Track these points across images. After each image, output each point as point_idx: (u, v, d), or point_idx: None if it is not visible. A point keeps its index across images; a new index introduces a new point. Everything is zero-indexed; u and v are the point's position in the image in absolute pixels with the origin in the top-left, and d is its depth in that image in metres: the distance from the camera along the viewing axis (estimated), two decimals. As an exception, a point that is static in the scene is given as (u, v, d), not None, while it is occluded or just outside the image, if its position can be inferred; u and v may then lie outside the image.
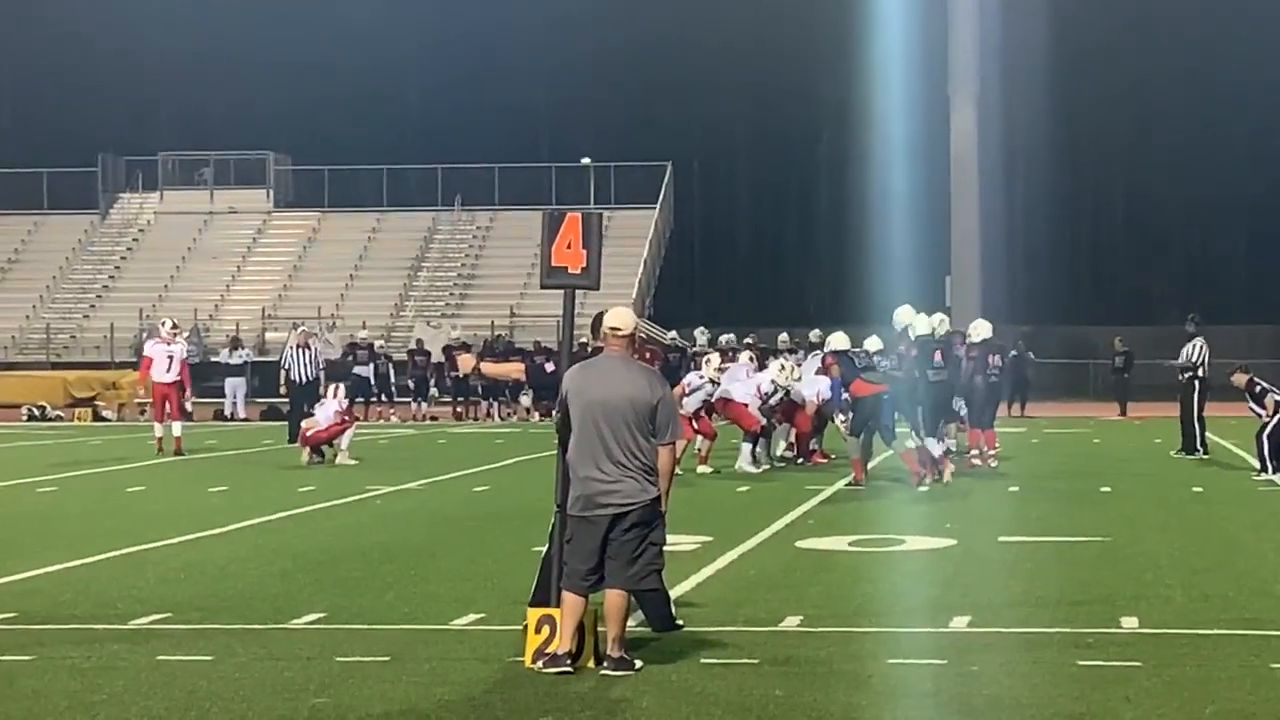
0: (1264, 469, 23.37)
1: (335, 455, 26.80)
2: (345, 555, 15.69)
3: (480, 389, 42.63)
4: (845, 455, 23.84)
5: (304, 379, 31.72)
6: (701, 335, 47.21)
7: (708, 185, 67.79)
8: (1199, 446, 27.70)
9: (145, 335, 44.89)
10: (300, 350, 32.20)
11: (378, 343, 47.03)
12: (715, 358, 26.71)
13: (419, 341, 46.45)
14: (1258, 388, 24.16)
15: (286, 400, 33.28)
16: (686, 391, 24.76)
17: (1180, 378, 28.28)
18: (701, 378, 25.38)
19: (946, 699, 9.70)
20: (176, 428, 29.20)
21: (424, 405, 43.69)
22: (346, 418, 27.45)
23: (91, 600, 13.08)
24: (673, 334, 46.32)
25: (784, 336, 36.82)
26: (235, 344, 46.15)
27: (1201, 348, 28.08)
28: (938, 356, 23.12)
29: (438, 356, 44.19)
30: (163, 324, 30.62)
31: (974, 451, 25.66)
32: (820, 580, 14.04)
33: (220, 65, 66.93)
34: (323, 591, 13.41)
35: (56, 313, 57.54)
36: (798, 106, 65.33)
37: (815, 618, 12.08)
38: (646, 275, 57.03)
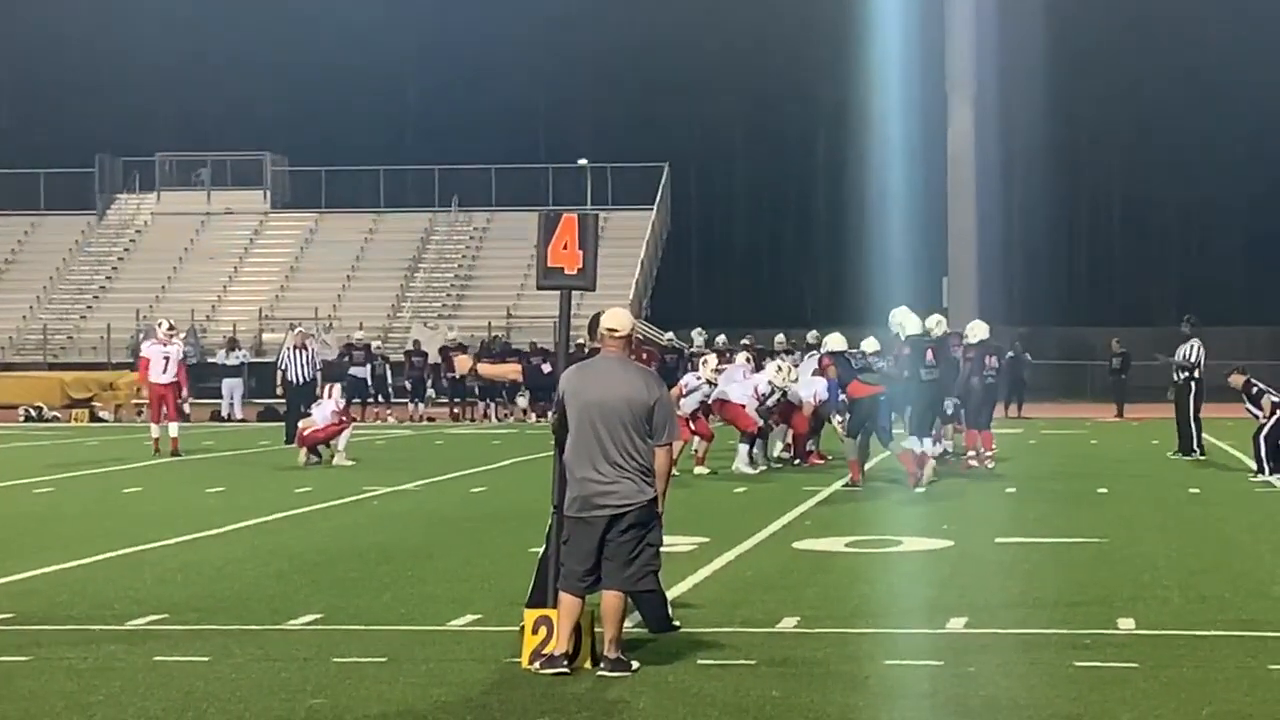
0: (1261, 470, 23.37)
1: (332, 456, 26.79)
2: (342, 556, 15.68)
3: (477, 390, 42.62)
4: (842, 456, 23.83)
5: (301, 380, 31.72)
6: (698, 336, 47.25)
7: (705, 186, 67.82)
8: (1196, 448, 27.71)
9: (142, 336, 44.87)
10: (297, 351, 32.20)
11: (375, 343, 47.01)
12: (712, 359, 26.72)
13: (416, 342, 46.44)
14: (1254, 389, 24.16)
15: (283, 401, 33.28)
16: (683, 392, 24.75)
17: (1176, 376, 28.27)
18: (698, 379, 25.38)
19: (943, 700, 9.70)
20: (173, 428, 29.20)
21: (421, 406, 43.68)
22: (344, 418, 27.45)
23: (88, 601, 13.08)
24: (670, 335, 46.33)
25: (781, 337, 36.88)
26: (232, 345, 46.14)
27: (1197, 349, 28.09)
28: (930, 356, 23.13)
29: (434, 357, 44.18)
30: (160, 325, 30.61)
31: (971, 453, 25.67)
32: (817, 581, 14.04)
33: (217, 66, 66.99)
34: (320, 592, 13.40)
35: (53, 313, 57.50)
36: (795, 107, 65.41)
37: (812, 619, 12.08)
38: (644, 276, 57.01)
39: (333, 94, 66.81)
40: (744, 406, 25.14)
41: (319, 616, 12.24)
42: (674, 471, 10.83)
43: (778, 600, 12.91)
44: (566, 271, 10.90)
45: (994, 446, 26.21)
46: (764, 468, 25.35)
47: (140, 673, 10.35)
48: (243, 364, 45.40)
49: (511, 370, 19.81)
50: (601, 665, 10.22)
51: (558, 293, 11.16)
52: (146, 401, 32.04)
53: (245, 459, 29.21)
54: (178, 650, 11.04)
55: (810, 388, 26.02)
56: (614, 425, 10.19)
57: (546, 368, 31.77)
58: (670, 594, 11.77)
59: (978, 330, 26.41)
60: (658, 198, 59.99)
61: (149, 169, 62.74)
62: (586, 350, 15.69)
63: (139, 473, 26.15)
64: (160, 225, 61.43)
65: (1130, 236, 67.35)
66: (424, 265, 59.16)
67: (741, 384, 25.55)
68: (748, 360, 27.45)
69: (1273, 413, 23.50)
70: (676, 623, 11.35)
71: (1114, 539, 16.71)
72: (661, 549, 10.43)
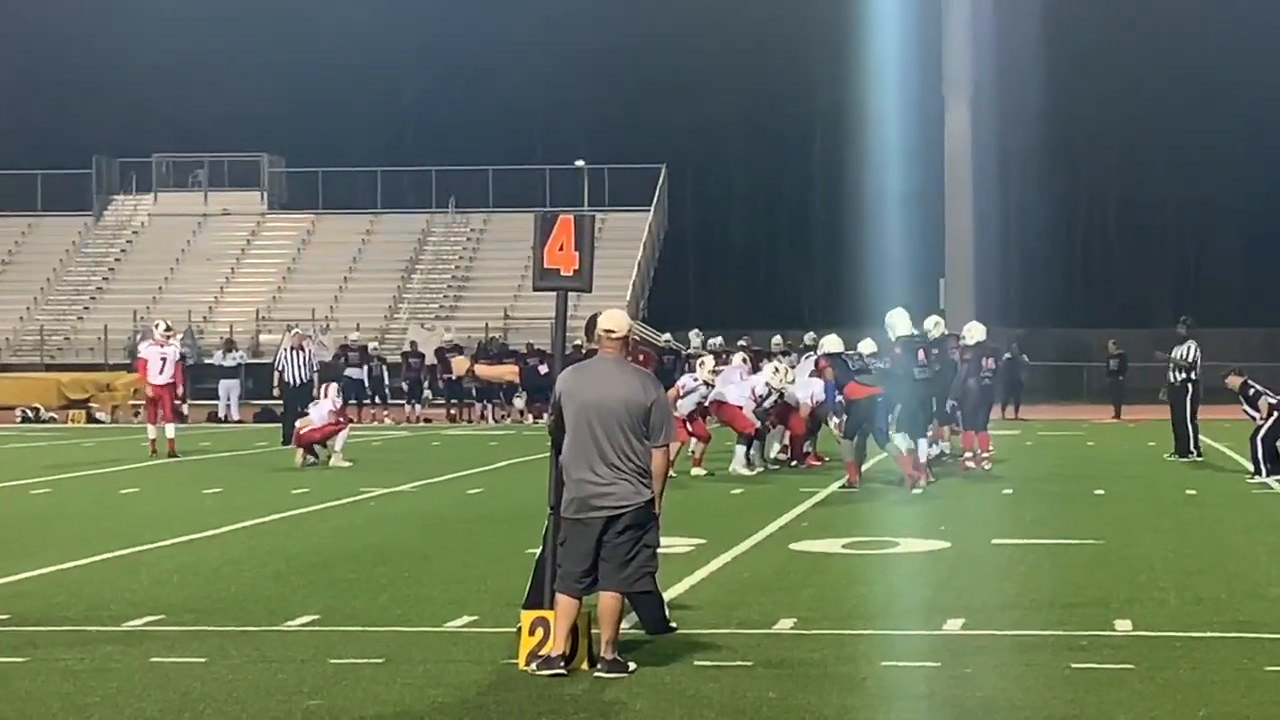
0: (1257, 472, 23.38)
1: (329, 457, 26.78)
2: (339, 557, 15.68)
3: (474, 391, 42.61)
4: (839, 458, 23.83)
5: (298, 381, 31.72)
6: (695, 337, 47.21)
7: (702, 187, 67.82)
8: (1192, 449, 27.71)
9: (139, 337, 44.84)
10: (294, 352, 32.21)
11: (372, 345, 47.00)
12: (709, 360, 26.69)
13: (413, 343, 46.44)
14: (1251, 390, 24.17)
15: (280, 402, 33.25)
16: (681, 394, 24.74)
17: (1173, 377, 28.23)
18: (695, 380, 25.36)
19: (940, 701, 9.70)
20: (170, 429, 29.19)
21: (418, 407, 43.68)
22: (341, 418, 27.44)
23: (85, 602, 13.07)
24: (667, 336, 46.32)
25: (778, 339, 36.83)
26: (229, 346, 46.13)
27: (1193, 350, 28.09)
28: (921, 355, 23.14)
29: (431, 359, 44.18)
30: (156, 326, 30.62)
31: (968, 454, 25.66)
32: (814, 582, 14.04)
33: (214, 67, 66.96)
34: (316, 594, 13.40)
35: (50, 314, 57.48)
36: (792, 108, 65.41)
37: (809, 620, 12.09)
38: (641, 277, 57.02)
39: (330, 95, 66.80)
40: (741, 408, 25.14)
41: (316, 618, 12.24)
42: (671, 473, 10.82)
43: (774, 602, 12.91)
44: (562, 273, 10.90)
45: (991, 448, 26.20)
46: (761, 469, 25.34)
47: (137, 674, 10.35)
48: (240, 365, 45.40)
49: (508, 371, 19.83)
50: (598, 666, 10.22)
51: (554, 294, 11.16)
52: (143, 402, 32.02)
53: (242, 460, 29.20)
54: (174, 651, 11.04)
55: (807, 389, 26.02)
56: (611, 427, 10.19)
57: (543, 369, 31.77)
58: (667, 595, 11.78)
59: (975, 332, 26.39)
60: (655, 199, 60.00)
61: (146, 170, 62.70)
62: (584, 351, 15.70)
63: (136, 474, 26.14)
64: (157, 226, 61.41)
65: (1127, 238, 67.36)
66: (421, 266, 59.16)
67: (738, 385, 25.55)
68: (744, 361, 27.45)
69: (1270, 414, 23.51)
70: (673, 624, 11.36)
71: (1111, 540, 16.71)
72: (658, 550, 10.44)
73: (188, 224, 61.33)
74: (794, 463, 26.28)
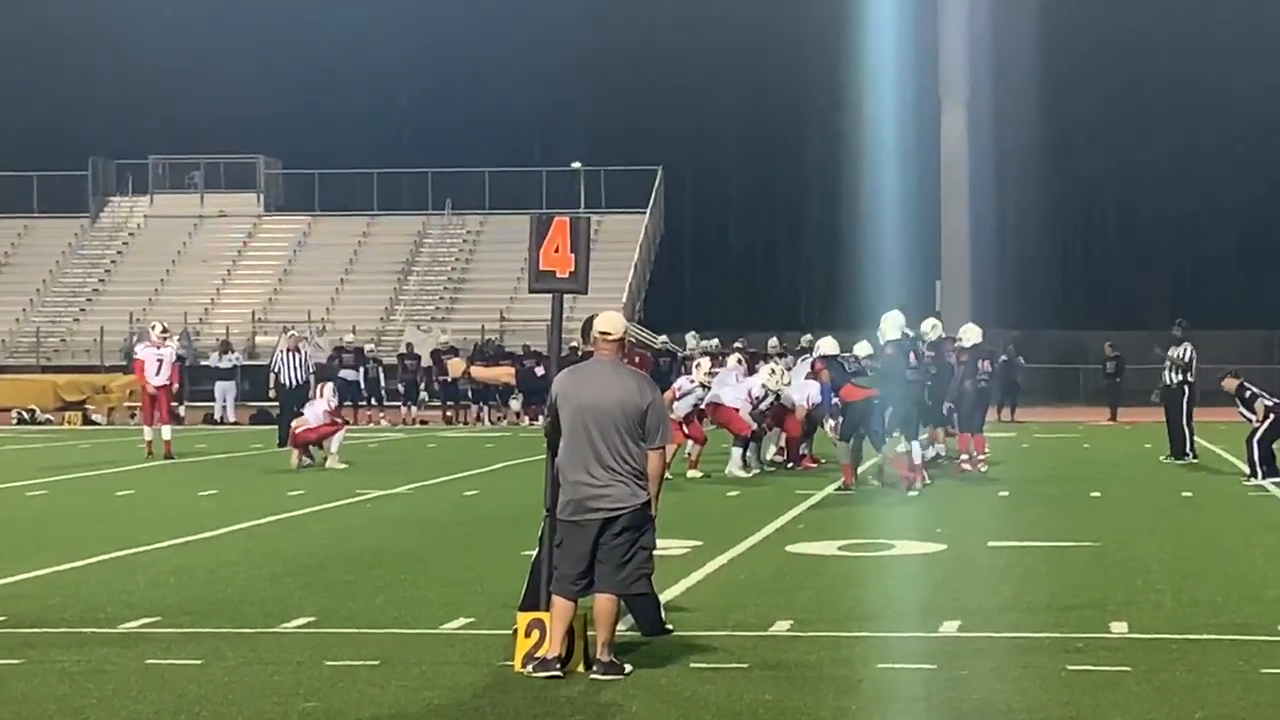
0: (1253, 474, 23.39)
1: (325, 459, 26.78)
2: (335, 559, 15.67)
3: (470, 393, 42.61)
4: (835, 460, 23.83)
5: (294, 383, 31.71)
6: (692, 339, 47.22)
7: (698, 189, 67.78)
8: (1188, 451, 27.73)
9: (135, 339, 44.83)
10: (290, 354, 32.21)
11: (368, 346, 46.99)
12: (705, 362, 26.69)
13: (409, 345, 46.42)
14: (1247, 393, 24.18)
15: (276, 404, 33.24)
16: (677, 396, 24.75)
17: (1170, 378, 28.22)
18: (692, 382, 25.38)
19: (936, 703, 9.70)
20: (166, 431, 29.19)
21: (413, 409, 43.68)
22: (337, 419, 27.44)
23: (81, 604, 13.06)
24: (663, 338, 46.33)
25: (774, 341, 36.85)
26: (225, 348, 46.11)
27: (1189, 352, 28.10)
28: (913, 357, 23.17)
29: (427, 360, 44.18)
30: (153, 328, 30.61)
31: (964, 456, 25.66)
32: (810, 585, 14.04)
33: (210, 69, 66.88)
34: (312, 595, 13.40)
35: (46, 316, 57.47)
36: (788, 111, 65.36)
37: (805, 622, 12.09)
38: (637, 279, 57.04)
39: (326, 97, 66.74)
40: (737, 410, 25.14)
41: (312, 619, 12.24)
42: (667, 475, 10.82)
43: (771, 604, 12.91)
44: (558, 275, 10.90)
45: (987, 450, 26.22)
46: (757, 471, 25.35)
47: (132, 676, 10.34)
48: (235, 367, 45.41)
49: (504, 373, 19.77)
50: (594, 668, 10.21)
51: (550, 296, 11.16)
52: (140, 404, 32.00)
53: (238, 462, 29.19)
54: (170, 653, 11.03)
55: (803, 391, 26.01)
56: (607, 429, 10.19)
57: (539, 371, 31.83)
58: (663, 597, 11.78)
59: (971, 334, 26.40)
60: (651, 201, 60.04)
61: (142, 172, 62.71)
62: (579, 353, 15.69)
63: (132, 475, 26.13)
64: (153, 228, 61.41)
65: (1124, 240, 67.34)
66: (417, 268, 59.16)
67: (735, 387, 25.56)
68: (740, 363, 27.45)
69: (1265, 416, 23.52)
70: (669, 626, 11.36)
71: (1107, 543, 16.72)
72: (654, 552, 10.43)
73: (184, 226, 61.32)
74: (790, 465, 26.28)
